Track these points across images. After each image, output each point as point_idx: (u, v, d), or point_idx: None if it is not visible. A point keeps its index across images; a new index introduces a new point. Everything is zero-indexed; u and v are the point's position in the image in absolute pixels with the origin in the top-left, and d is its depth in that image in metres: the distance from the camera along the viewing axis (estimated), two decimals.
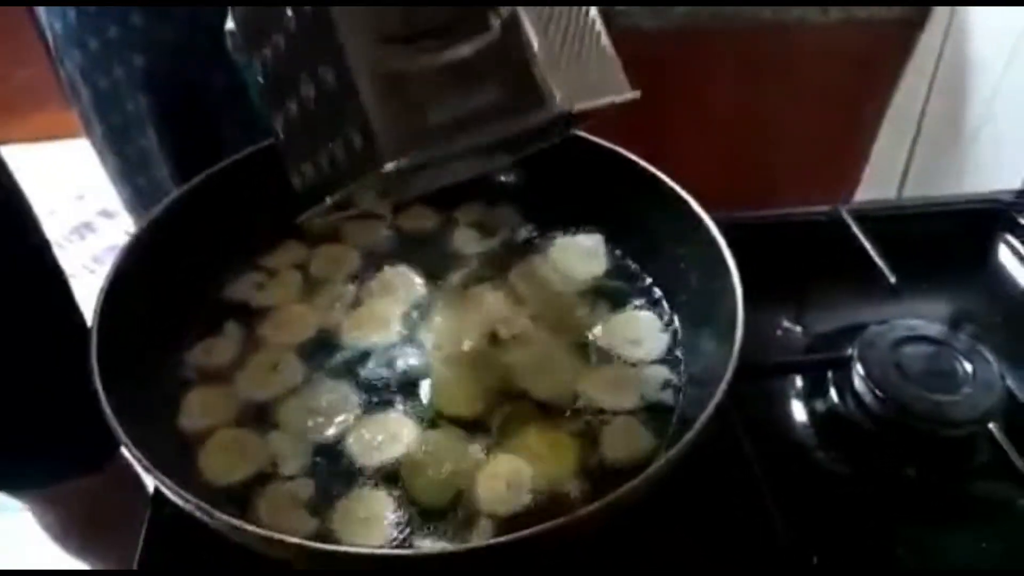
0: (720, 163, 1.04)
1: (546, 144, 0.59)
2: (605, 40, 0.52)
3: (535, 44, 0.46)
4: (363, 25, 0.45)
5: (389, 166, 0.44)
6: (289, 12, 0.47)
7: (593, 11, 0.52)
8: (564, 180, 0.69)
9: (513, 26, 0.46)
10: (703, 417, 0.50)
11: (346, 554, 0.47)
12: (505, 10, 0.46)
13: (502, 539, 0.46)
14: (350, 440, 0.59)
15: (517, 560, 0.48)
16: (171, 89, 0.87)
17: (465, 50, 0.46)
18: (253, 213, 0.70)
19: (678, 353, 0.65)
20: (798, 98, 1.11)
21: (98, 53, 0.86)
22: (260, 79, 0.51)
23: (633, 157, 0.67)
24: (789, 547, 0.59)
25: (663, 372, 0.64)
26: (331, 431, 0.60)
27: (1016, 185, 0.88)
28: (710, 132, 1.10)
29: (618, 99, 0.51)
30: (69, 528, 1.09)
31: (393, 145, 0.44)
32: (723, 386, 0.51)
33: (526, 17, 0.47)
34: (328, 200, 0.50)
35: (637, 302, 0.69)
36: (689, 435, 0.49)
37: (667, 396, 0.62)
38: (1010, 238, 0.84)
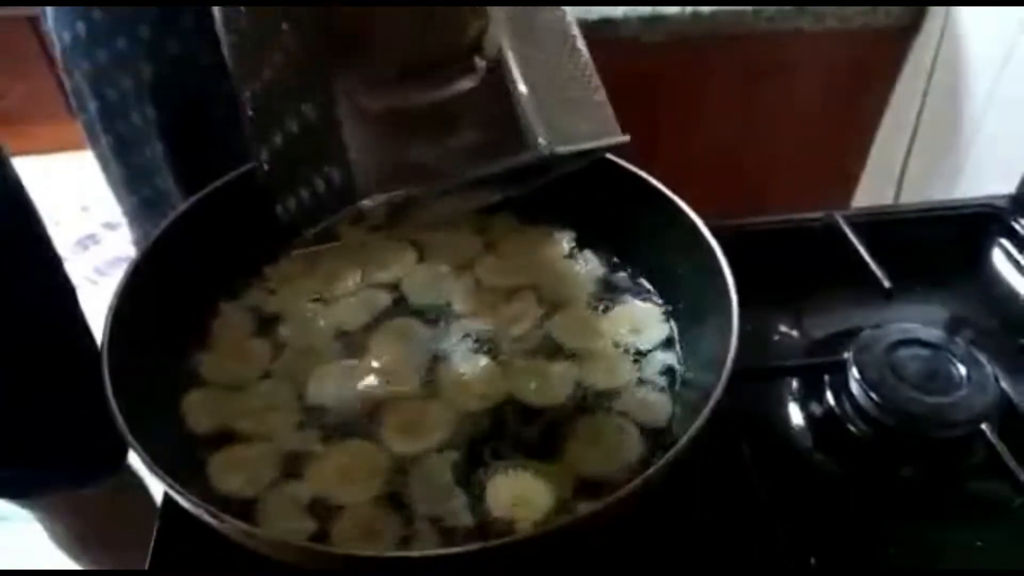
0: (716, 171, 1.06)
1: (542, 182, 0.60)
2: (596, 83, 0.52)
3: (521, 86, 0.46)
4: (349, 63, 0.45)
5: (365, 203, 0.45)
6: (277, 49, 0.47)
7: (584, 54, 0.52)
8: (557, 189, 0.69)
9: (499, 67, 0.46)
10: (698, 421, 0.50)
11: (357, 557, 0.48)
12: (490, 51, 0.46)
13: (505, 540, 0.46)
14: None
15: (518, 563, 0.49)
16: (178, 100, 0.88)
17: (450, 91, 0.46)
18: (260, 224, 0.71)
19: (678, 352, 0.66)
20: (794, 106, 1.12)
21: (106, 65, 0.87)
22: (249, 112, 0.52)
23: (629, 166, 0.68)
24: (787, 549, 0.60)
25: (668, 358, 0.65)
26: None
27: (1011, 190, 0.89)
28: (706, 140, 1.11)
29: (605, 143, 0.52)
30: (77, 537, 1.10)
31: (370, 182, 0.45)
32: (718, 392, 0.52)
33: (512, 58, 0.47)
34: (307, 234, 0.50)
35: (637, 296, 0.71)
36: (684, 440, 0.49)
37: (665, 399, 0.63)
38: (1004, 242, 0.86)
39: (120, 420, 0.51)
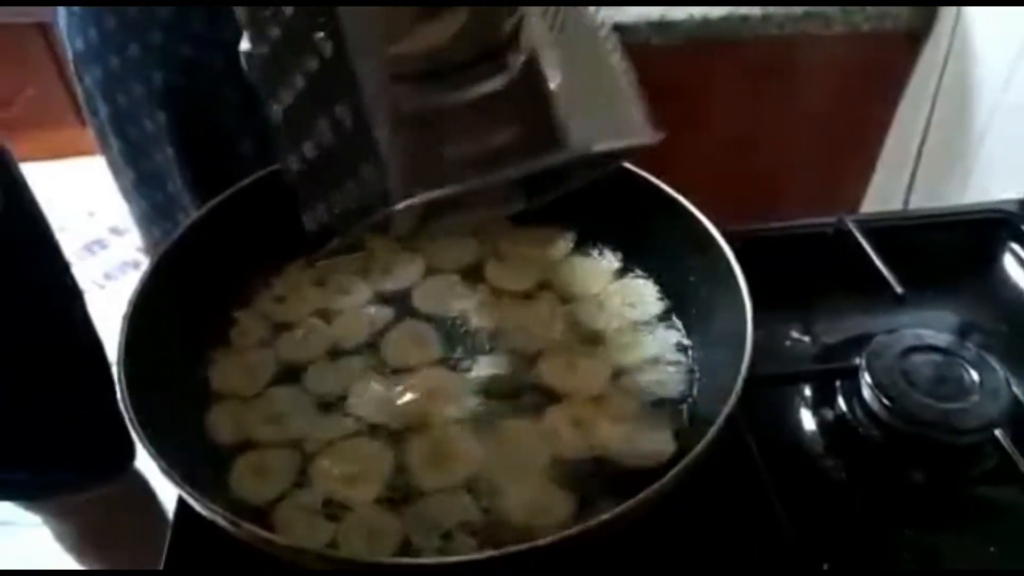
0: (726, 176, 1.06)
1: (575, 186, 0.59)
2: (629, 81, 0.51)
3: (554, 84, 0.46)
4: (381, 64, 0.44)
5: (400, 205, 0.44)
6: (310, 57, 0.46)
7: (617, 52, 0.51)
8: (572, 195, 0.69)
9: (532, 65, 0.46)
10: (713, 430, 0.51)
11: (378, 564, 0.48)
12: (525, 49, 0.46)
13: (521, 547, 0.46)
14: None
15: (532, 567, 0.49)
16: (189, 105, 0.89)
17: (483, 89, 0.45)
18: (273, 230, 0.71)
19: (688, 353, 0.67)
20: (803, 111, 1.12)
21: (118, 70, 0.87)
22: (280, 120, 0.52)
23: (643, 173, 0.68)
24: (799, 554, 0.59)
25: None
26: None
27: (1021, 195, 0.89)
28: (716, 145, 1.11)
29: (640, 142, 0.51)
30: (83, 539, 1.11)
31: (405, 184, 0.44)
32: (733, 399, 0.52)
33: (546, 57, 0.46)
34: (338, 241, 0.50)
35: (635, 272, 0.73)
36: (699, 448, 0.50)
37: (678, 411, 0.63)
38: (1015, 247, 0.85)
39: (135, 425, 0.51)
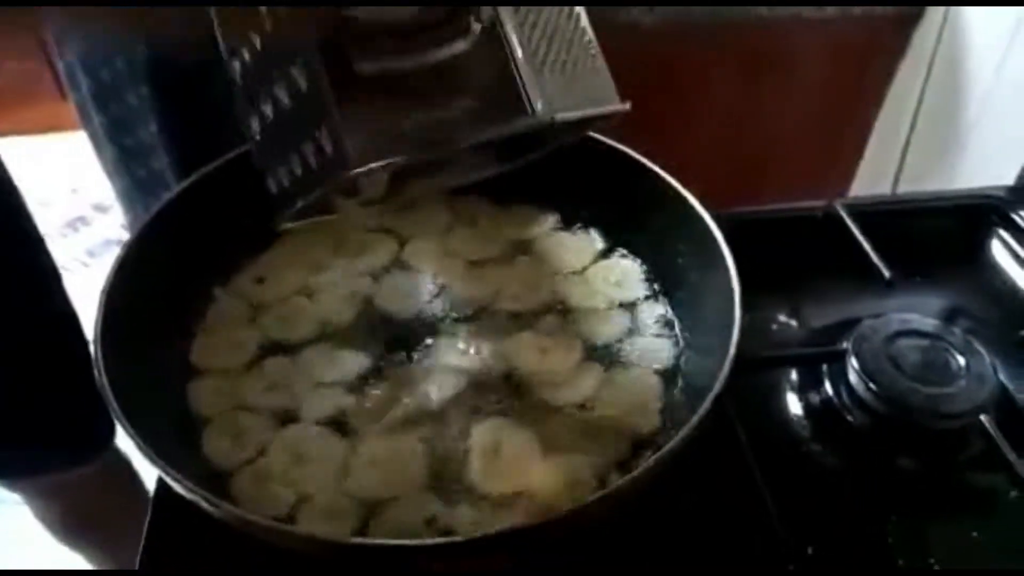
0: (715, 158, 1.05)
1: (540, 155, 0.58)
2: (595, 50, 0.51)
3: (518, 50, 0.45)
4: (337, 25, 0.43)
5: (357, 171, 0.43)
6: (264, 11, 0.45)
7: (583, 19, 0.50)
8: (560, 176, 0.69)
9: (495, 30, 0.45)
10: (701, 409, 0.50)
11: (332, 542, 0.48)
12: (486, 13, 0.45)
13: (502, 528, 0.46)
14: None
15: (515, 551, 0.48)
16: (172, 79, 0.87)
17: (444, 54, 0.45)
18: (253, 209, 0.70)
19: (675, 329, 0.67)
20: (793, 94, 1.12)
21: (100, 44, 0.86)
22: (238, 79, 0.51)
23: (633, 153, 0.67)
24: (784, 538, 0.59)
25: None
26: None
27: (1009, 181, 0.89)
28: (705, 127, 1.11)
29: (605, 111, 0.50)
30: (65, 519, 1.10)
31: (363, 149, 0.43)
32: (721, 379, 0.52)
33: (509, 22, 0.45)
34: (299, 204, 0.49)
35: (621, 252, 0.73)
36: (687, 428, 0.49)
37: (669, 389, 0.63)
38: (1003, 233, 0.85)
39: (111, 401, 0.50)
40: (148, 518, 0.61)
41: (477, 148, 0.55)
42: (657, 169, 0.66)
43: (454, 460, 0.58)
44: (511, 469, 0.57)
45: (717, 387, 0.51)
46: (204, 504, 0.46)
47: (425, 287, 0.71)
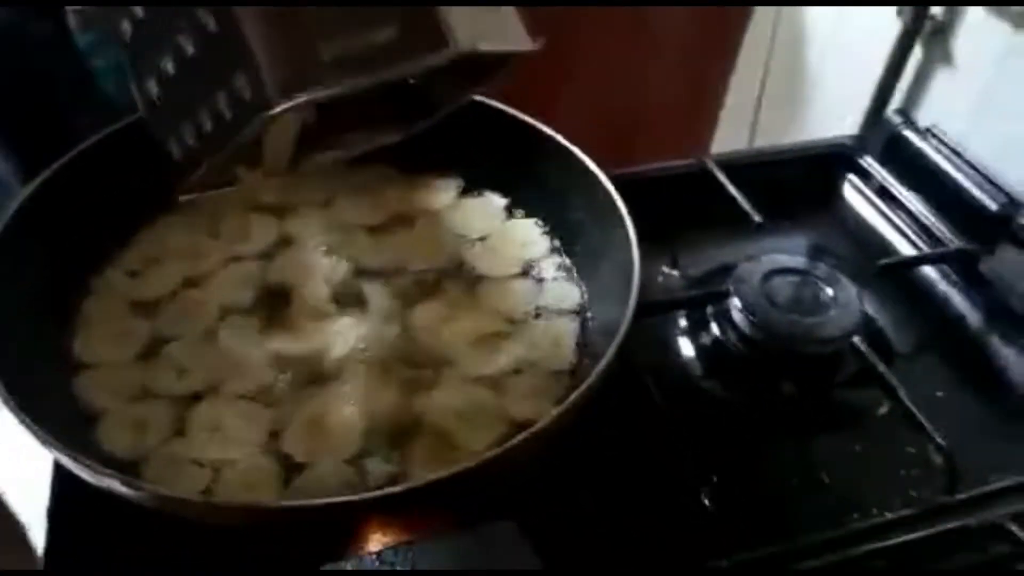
0: (585, 116, 1.07)
1: (434, 120, 0.59)
2: None
3: None
4: None
5: (278, 108, 0.42)
6: None
7: None
8: (439, 138, 0.67)
9: None
10: (607, 356, 0.53)
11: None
12: None
13: (417, 482, 0.46)
14: None
15: (439, 502, 0.49)
16: (13, 80, 0.81)
17: None
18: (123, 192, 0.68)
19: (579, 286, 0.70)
20: (660, 53, 1.15)
21: None
22: (125, 43, 0.49)
23: (524, 116, 0.70)
24: (691, 470, 0.63)
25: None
26: None
27: (853, 130, 0.97)
28: (580, 87, 1.12)
29: (520, 48, 0.51)
30: None
31: (283, 85, 0.42)
32: (628, 318, 0.54)
33: None
34: (210, 160, 0.47)
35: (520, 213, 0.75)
36: (592, 378, 0.51)
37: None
38: (852, 177, 0.93)
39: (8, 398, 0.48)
40: (47, 523, 0.58)
41: (383, 98, 0.54)
42: (554, 133, 0.68)
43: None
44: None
45: (627, 319, 0.53)
46: (125, 489, 0.45)
47: (318, 258, 0.70)
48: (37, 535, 1.00)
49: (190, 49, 0.45)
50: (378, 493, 0.45)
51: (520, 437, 0.47)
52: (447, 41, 0.45)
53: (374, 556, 0.40)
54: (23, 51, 0.80)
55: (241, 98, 0.43)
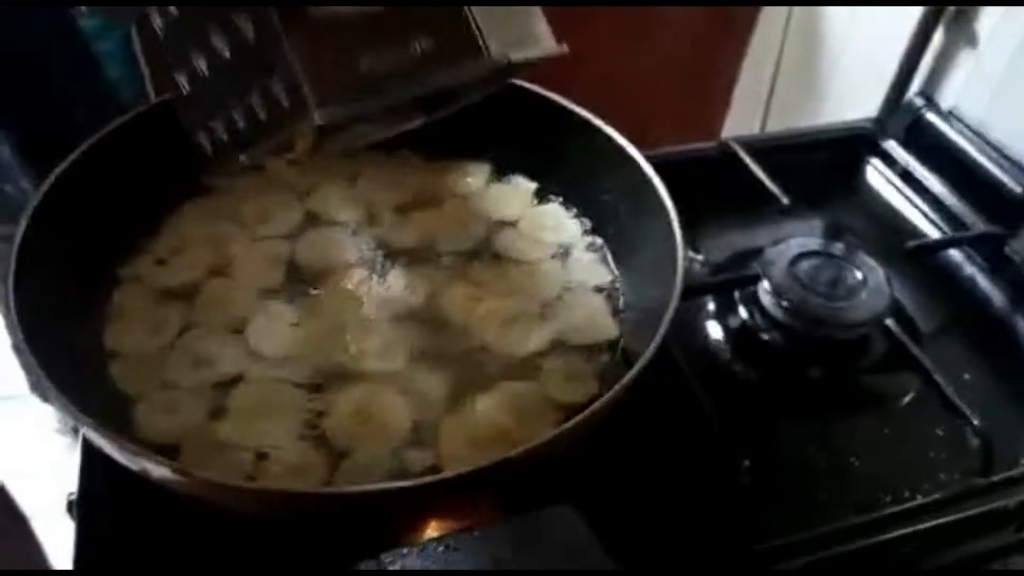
0: (595, 100, 1.06)
1: (471, 101, 0.59)
2: None
3: None
4: None
5: (319, 117, 0.43)
6: None
7: None
8: (467, 122, 0.67)
9: None
10: (655, 340, 0.52)
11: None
12: None
13: (461, 471, 0.45)
14: None
15: (478, 489, 0.49)
16: (11, 71, 0.80)
17: None
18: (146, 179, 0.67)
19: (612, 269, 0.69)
20: (666, 39, 1.14)
21: None
22: (160, 33, 0.49)
23: (552, 95, 0.69)
24: (724, 454, 0.63)
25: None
26: None
27: (872, 113, 0.96)
28: (583, 70, 1.11)
29: (549, 52, 0.52)
30: None
31: (322, 94, 0.43)
32: (670, 312, 0.54)
33: None
34: (244, 158, 0.48)
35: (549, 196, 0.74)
36: (638, 366, 0.51)
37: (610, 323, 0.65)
38: (874, 160, 0.93)
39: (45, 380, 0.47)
40: (77, 512, 0.57)
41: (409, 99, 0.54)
42: (589, 114, 0.68)
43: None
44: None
45: (674, 300, 0.53)
46: (170, 474, 0.44)
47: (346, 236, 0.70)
48: (38, 526, 1.00)
49: (225, 51, 0.45)
50: (441, 476, 0.45)
51: (571, 422, 0.47)
52: (482, 52, 0.46)
53: (436, 543, 0.40)
54: (23, 43, 0.79)
55: (277, 104, 0.44)
